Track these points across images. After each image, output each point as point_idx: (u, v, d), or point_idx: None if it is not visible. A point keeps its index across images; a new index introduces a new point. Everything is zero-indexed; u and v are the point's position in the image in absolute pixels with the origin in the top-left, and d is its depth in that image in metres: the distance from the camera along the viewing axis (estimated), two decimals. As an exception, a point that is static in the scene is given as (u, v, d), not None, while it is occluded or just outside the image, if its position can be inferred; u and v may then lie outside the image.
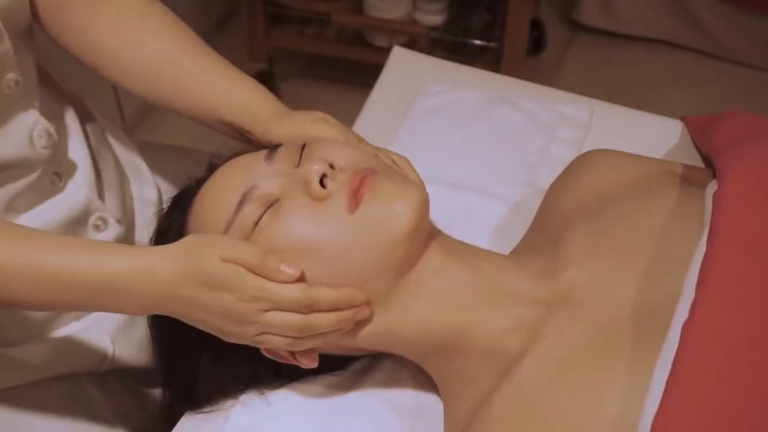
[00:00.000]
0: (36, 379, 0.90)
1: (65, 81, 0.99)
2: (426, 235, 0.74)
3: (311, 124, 0.81)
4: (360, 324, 0.73)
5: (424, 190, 0.74)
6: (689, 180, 0.79)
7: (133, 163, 1.04)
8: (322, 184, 0.71)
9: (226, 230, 0.73)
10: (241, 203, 0.73)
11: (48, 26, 0.89)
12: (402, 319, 0.73)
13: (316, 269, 0.70)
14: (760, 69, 2.29)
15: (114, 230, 0.93)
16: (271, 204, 0.72)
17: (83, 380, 0.93)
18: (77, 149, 0.92)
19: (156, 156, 1.09)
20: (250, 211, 0.72)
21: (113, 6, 0.88)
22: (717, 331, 0.59)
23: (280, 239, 0.70)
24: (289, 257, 0.68)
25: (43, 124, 0.84)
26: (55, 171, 0.88)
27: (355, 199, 0.70)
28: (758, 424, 0.56)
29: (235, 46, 2.32)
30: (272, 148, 0.77)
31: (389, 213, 0.70)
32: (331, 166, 0.73)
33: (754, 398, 0.56)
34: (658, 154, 0.93)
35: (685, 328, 0.59)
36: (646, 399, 0.58)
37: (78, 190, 0.90)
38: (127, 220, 0.98)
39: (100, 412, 0.93)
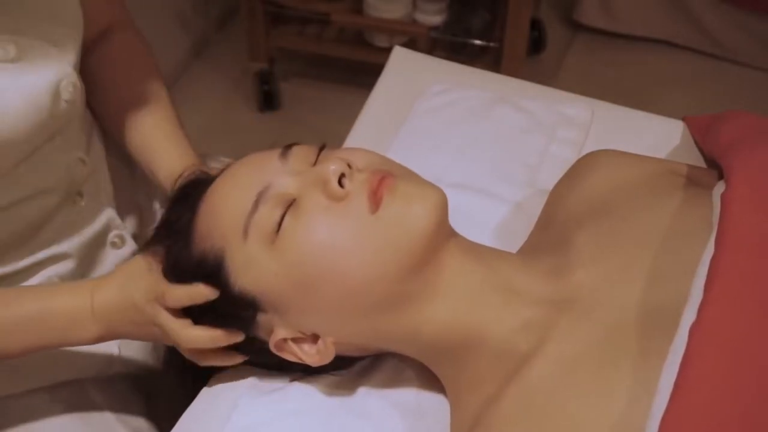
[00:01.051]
0: (43, 384, 0.90)
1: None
2: (445, 235, 0.74)
3: None
4: (380, 325, 0.73)
5: (442, 191, 0.73)
6: (693, 180, 0.79)
7: (145, 174, 1.04)
8: (339, 184, 0.71)
9: (244, 232, 0.72)
10: (256, 203, 0.72)
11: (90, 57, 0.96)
12: (423, 320, 0.72)
13: (338, 271, 0.69)
14: (760, 69, 2.28)
15: (130, 247, 0.94)
16: (290, 204, 0.71)
17: (87, 385, 0.94)
18: (99, 168, 0.93)
19: None
20: (267, 211, 0.71)
21: (123, 48, 0.98)
22: (725, 333, 0.58)
23: (304, 242, 0.70)
24: (310, 261, 0.69)
25: (77, 153, 0.87)
26: (77, 191, 0.88)
27: (375, 199, 0.70)
28: (767, 425, 0.55)
29: (235, 46, 2.32)
30: (287, 146, 0.77)
31: (410, 214, 0.70)
32: (349, 166, 0.72)
33: (763, 400, 0.56)
34: (659, 154, 0.93)
35: (693, 329, 0.59)
36: (654, 401, 0.58)
37: (98, 208, 0.90)
38: (142, 235, 0.99)
39: (103, 416, 0.93)
